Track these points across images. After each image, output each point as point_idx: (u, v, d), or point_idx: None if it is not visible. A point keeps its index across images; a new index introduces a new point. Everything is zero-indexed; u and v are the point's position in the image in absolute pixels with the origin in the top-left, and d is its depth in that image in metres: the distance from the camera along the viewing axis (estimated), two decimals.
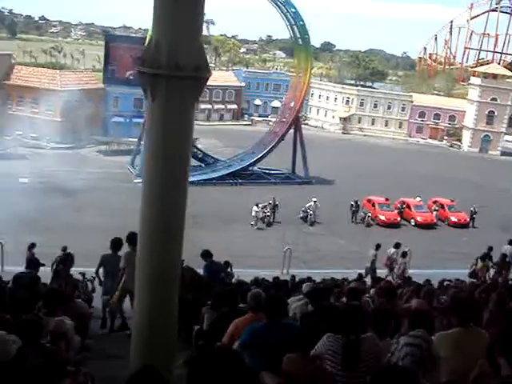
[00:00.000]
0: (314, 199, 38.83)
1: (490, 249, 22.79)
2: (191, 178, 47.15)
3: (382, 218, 40.16)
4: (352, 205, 39.71)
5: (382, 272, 23.80)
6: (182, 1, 4.77)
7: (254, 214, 36.92)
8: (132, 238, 10.33)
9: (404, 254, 23.19)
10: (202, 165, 52.15)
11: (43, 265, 16.26)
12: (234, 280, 14.72)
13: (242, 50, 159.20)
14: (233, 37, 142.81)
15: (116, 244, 11.67)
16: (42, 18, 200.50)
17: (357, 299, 7.81)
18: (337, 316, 5.19)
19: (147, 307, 5.42)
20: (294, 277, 17.74)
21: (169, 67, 4.74)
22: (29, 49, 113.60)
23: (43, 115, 60.70)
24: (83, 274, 14.86)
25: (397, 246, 24.21)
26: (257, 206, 37.08)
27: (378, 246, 24.26)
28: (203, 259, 12.99)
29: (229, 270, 16.69)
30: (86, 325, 8.65)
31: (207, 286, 10.69)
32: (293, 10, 50.61)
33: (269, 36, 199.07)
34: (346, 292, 8.77)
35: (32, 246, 18.39)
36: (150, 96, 4.92)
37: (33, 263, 16.49)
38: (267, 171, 52.55)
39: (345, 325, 4.94)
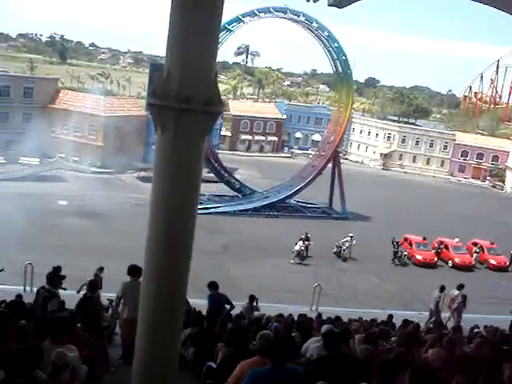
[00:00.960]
0: (351, 234, 38.34)
1: None
2: (227, 208, 47.48)
3: (419, 257, 39.34)
4: (394, 245, 38.73)
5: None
6: (196, 33, 4.70)
7: (297, 248, 36.33)
8: (132, 270, 10.36)
9: (464, 297, 22.49)
10: (239, 195, 52.18)
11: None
12: (256, 314, 14.38)
13: (286, 82, 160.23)
14: (278, 69, 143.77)
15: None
16: (92, 44, 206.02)
17: (373, 345, 7.50)
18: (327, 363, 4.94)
19: (150, 339, 5.28)
20: (320, 314, 17.31)
21: (178, 100, 4.66)
22: (77, 74, 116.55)
23: (85, 139, 61.91)
24: (110, 301, 14.79)
25: (460, 287, 23.47)
26: (302, 241, 36.59)
27: (442, 288, 23.11)
28: (208, 289, 12.87)
29: (254, 303, 16.38)
30: (98, 355, 8.52)
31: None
32: (336, 44, 50.80)
33: (313, 70, 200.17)
34: (363, 337, 8.45)
35: (101, 269, 17.92)
36: (159, 128, 4.84)
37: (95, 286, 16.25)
38: (304, 204, 52.25)
39: (331, 373, 4.71)
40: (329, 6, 6.88)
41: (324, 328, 8.36)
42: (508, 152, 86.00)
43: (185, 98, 4.66)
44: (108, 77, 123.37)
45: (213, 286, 12.91)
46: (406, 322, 14.42)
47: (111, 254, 28.95)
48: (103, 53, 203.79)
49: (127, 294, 10.48)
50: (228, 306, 13.11)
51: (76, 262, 27.76)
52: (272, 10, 49.11)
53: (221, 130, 79.10)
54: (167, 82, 4.74)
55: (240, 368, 5.94)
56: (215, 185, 52.78)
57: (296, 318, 15.29)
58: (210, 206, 47.78)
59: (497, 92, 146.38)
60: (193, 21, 4.70)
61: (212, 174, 52.14)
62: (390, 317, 18.11)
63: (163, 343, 5.22)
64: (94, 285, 12.02)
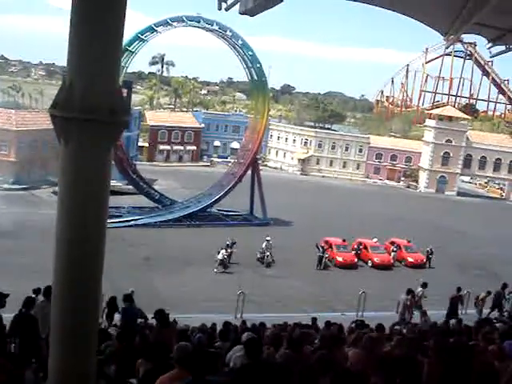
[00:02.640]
0: (268, 238, 38.58)
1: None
2: (147, 220, 46.78)
3: (340, 259, 40.07)
4: (318, 249, 38.90)
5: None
6: (97, 40, 4.53)
7: (220, 257, 36.03)
8: (47, 291, 9.91)
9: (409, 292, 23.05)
10: (159, 206, 51.54)
11: None
12: (181, 326, 14.14)
13: (203, 91, 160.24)
14: (194, 78, 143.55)
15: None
16: (2, 57, 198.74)
17: (297, 350, 7.51)
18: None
19: (63, 359, 5.04)
20: (244, 322, 17.29)
21: (82, 111, 4.47)
22: None
23: None
24: None
25: (424, 285, 24.05)
26: (225, 249, 36.31)
27: (409, 291, 23.31)
28: (123, 302, 12.50)
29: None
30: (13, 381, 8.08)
31: None
32: (250, 53, 51.18)
33: (230, 78, 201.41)
34: (285, 342, 8.45)
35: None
36: (63, 141, 4.64)
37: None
38: (225, 213, 52.24)
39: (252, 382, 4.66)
40: (240, 14, 6.86)
41: (244, 336, 8.31)
42: (420, 153, 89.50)
43: (87, 108, 4.47)
44: (19, 90, 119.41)
45: (127, 299, 12.47)
46: (328, 324, 14.57)
47: (26, 274, 27.85)
48: (14, 65, 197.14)
49: (39, 315, 10.05)
50: (141, 320, 12.78)
51: None
52: (185, 19, 48.92)
53: (138, 141, 78.09)
54: (69, 93, 4.54)
55: (159, 383, 5.79)
56: (134, 197, 51.99)
57: (220, 327, 15.17)
58: (130, 218, 46.95)
59: (407, 95, 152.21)
60: (93, 28, 4.53)
61: (131, 186, 51.32)
62: (314, 319, 18.29)
63: (78, 362, 4.98)
64: (30, 301, 11.13)
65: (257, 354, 6.17)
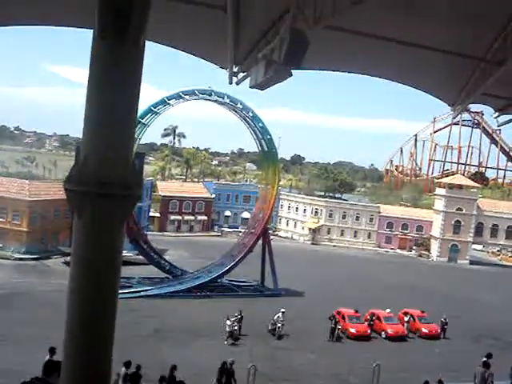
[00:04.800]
0: (282, 310, 38.01)
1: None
2: (158, 291, 46.43)
3: (352, 330, 39.27)
4: (331, 321, 38.10)
5: None
6: (112, 115, 4.65)
7: (228, 328, 35.50)
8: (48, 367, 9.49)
9: (485, 364, 21.51)
10: (170, 277, 51.20)
11: None
12: None
13: (214, 162, 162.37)
14: (205, 149, 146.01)
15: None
16: (17, 128, 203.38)
17: None
18: None
19: None
20: None
21: (95, 185, 4.55)
22: (1, 158, 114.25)
23: (9, 225, 59.89)
24: None
25: (488, 356, 22.45)
26: (228, 319, 35.85)
27: (485, 363, 21.63)
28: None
29: None
30: None
31: None
32: (260, 124, 52.06)
33: (240, 149, 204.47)
34: None
35: (174, 367, 19.86)
36: (76, 213, 4.70)
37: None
38: (236, 283, 51.74)
39: None
40: (250, 87, 7.03)
41: None
42: (431, 222, 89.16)
43: (101, 182, 4.56)
44: (33, 160, 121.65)
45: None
46: None
47: (37, 346, 27.51)
48: (29, 136, 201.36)
49: None
50: None
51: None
52: (197, 92, 50.08)
53: (149, 211, 78.46)
54: (83, 167, 4.65)
55: None
56: (145, 267, 51.79)
57: None
58: (140, 289, 46.59)
59: (416, 164, 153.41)
60: (109, 106, 4.66)
61: (141, 256, 51.18)
62: None
63: None
64: (51, 365, 10.50)
65: None
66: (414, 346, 38.79)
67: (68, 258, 55.45)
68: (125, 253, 45.66)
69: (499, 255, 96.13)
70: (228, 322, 35.56)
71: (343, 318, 40.14)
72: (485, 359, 21.86)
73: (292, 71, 6.01)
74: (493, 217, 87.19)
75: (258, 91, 7.23)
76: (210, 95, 50.33)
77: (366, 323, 40.72)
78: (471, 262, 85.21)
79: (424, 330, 41.07)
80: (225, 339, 35.01)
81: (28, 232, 59.65)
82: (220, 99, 50.40)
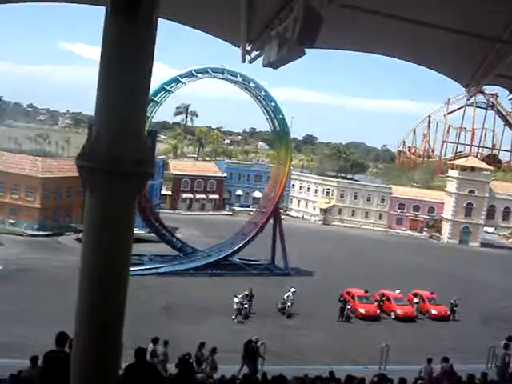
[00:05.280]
0: (293, 290, 38.23)
1: None
2: (169, 268, 46.78)
3: (362, 310, 39.47)
4: (340, 301, 38.49)
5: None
6: (125, 92, 4.66)
7: (235, 306, 35.91)
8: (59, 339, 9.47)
9: (506, 346, 21.91)
10: (181, 254, 51.57)
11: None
12: (199, 377, 13.99)
13: (226, 141, 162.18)
14: (217, 128, 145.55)
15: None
16: (31, 105, 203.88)
17: None
18: None
19: None
20: (265, 374, 16.98)
21: (108, 161, 4.57)
22: (14, 135, 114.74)
23: (22, 201, 60.45)
24: None
25: (509, 338, 22.87)
26: (236, 296, 36.24)
27: (506, 346, 22.06)
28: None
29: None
30: None
31: None
32: (273, 104, 51.91)
33: (252, 128, 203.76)
34: None
35: (202, 344, 21.08)
36: (88, 191, 4.73)
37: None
38: (246, 262, 52.02)
39: None
40: (263, 66, 7.00)
41: None
42: (443, 203, 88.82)
43: (114, 159, 4.57)
44: (46, 138, 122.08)
45: (138, 354, 11.00)
46: (349, 378, 14.27)
47: (48, 321, 27.88)
48: (42, 114, 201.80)
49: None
50: None
51: (10, 330, 26.79)
52: (210, 70, 49.92)
53: (161, 189, 78.76)
54: (96, 144, 4.66)
55: None
56: (156, 245, 52.12)
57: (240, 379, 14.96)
58: (152, 266, 47.01)
59: (429, 146, 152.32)
60: (121, 82, 4.67)
61: (153, 234, 51.50)
62: (331, 374, 17.75)
63: None
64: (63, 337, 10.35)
65: None
66: (422, 327, 38.95)
67: (80, 235, 55.92)
68: (137, 230, 45.91)
69: (510, 238, 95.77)
70: (236, 300, 35.94)
71: (353, 298, 40.34)
72: (506, 342, 22.03)
73: (305, 50, 5.97)
74: (505, 199, 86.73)
75: (271, 70, 7.20)
76: (223, 74, 50.17)
77: (376, 303, 40.91)
78: (482, 245, 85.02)
79: (433, 312, 41.17)
80: (233, 316, 35.46)
81: (41, 209, 60.18)
82: (233, 78, 50.25)
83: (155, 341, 20.30)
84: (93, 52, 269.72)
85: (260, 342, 23.78)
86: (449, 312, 41.18)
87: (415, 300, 41.81)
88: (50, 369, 9.46)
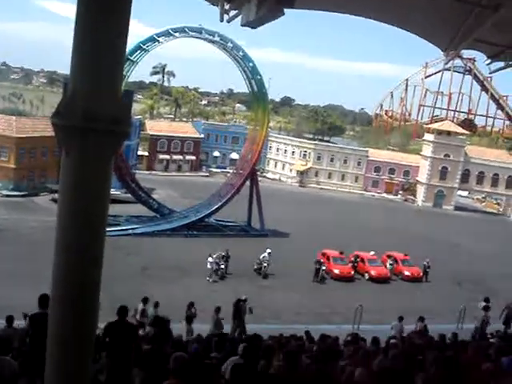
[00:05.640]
0: (268, 250, 38.58)
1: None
2: (145, 229, 46.72)
3: (336, 271, 40.05)
4: (316, 263, 38.96)
5: None
6: (101, 49, 4.57)
7: (209, 265, 36.32)
8: (43, 301, 9.55)
9: (486, 308, 23.06)
10: (157, 215, 51.53)
11: None
12: (176, 336, 14.09)
13: (203, 102, 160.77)
14: (194, 89, 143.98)
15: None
16: (4, 63, 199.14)
17: (292, 362, 7.50)
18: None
19: (58, 370, 5.04)
20: (241, 333, 17.26)
21: (84, 119, 4.49)
22: None
23: None
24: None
25: (486, 300, 24.14)
26: (210, 256, 36.55)
27: (486, 308, 23.51)
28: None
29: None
30: None
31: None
32: (251, 64, 51.41)
33: (230, 89, 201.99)
34: (282, 354, 8.44)
35: (191, 304, 21.89)
36: (64, 149, 4.67)
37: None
38: (223, 223, 52.21)
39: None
40: (242, 26, 6.92)
41: (240, 347, 8.30)
42: (418, 167, 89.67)
43: (90, 117, 4.50)
44: (20, 97, 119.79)
45: (120, 312, 11.16)
46: (323, 337, 14.55)
47: (21, 281, 27.86)
48: (15, 72, 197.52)
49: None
50: None
51: None
52: (187, 29, 49.11)
53: (138, 150, 78.17)
54: (71, 101, 4.58)
55: None
56: (133, 205, 51.97)
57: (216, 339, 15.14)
58: (128, 227, 46.94)
59: (406, 110, 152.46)
60: (97, 38, 4.58)
61: (129, 195, 51.31)
62: (307, 333, 18.13)
63: (74, 367, 4.99)
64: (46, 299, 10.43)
65: (253, 362, 6.16)
66: (396, 288, 39.69)
67: (56, 196, 55.54)
68: (113, 191, 45.79)
69: (484, 202, 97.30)
70: (210, 260, 36.23)
71: (328, 259, 40.85)
72: (485, 304, 22.87)
73: (284, 10, 5.91)
74: (480, 164, 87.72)
75: (249, 30, 7.12)
76: (201, 33, 49.42)
77: (350, 265, 41.51)
78: (456, 208, 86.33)
79: (406, 273, 41.93)
80: (207, 277, 35.81)
81: (15, 169, 59.40)
82: (210, 37, 49.55)
83: (145, 300, 20.45)
84: (68, 10, 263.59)
85: (246, 301, 24.16)
86: (421, 273, 41.98)
87: (389, 261, 42.48)
88: (35, 329, 9.61)
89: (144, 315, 20.17)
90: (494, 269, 44.78)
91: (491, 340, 16.11)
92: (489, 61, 9.84)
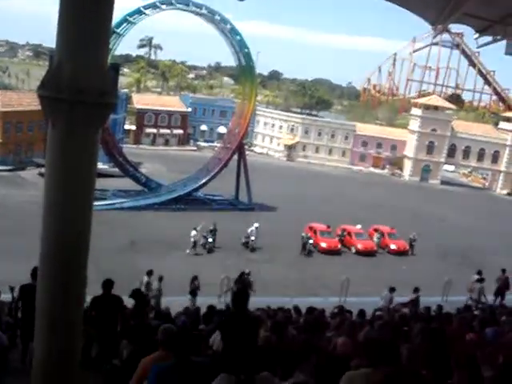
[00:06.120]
0: (256, 224, 38.71)
1: None
2: (133, 203, 46.66)
3: (323, 245, 40.31)
4: (303, 236, 39.28)
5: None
6: (86, 21, 4.54)
7: (192, 239, 36.33)
8: (34, 273, 9.64)
9: (480, 280, 23.64)
10: (145, 189, 51.43)
11: None
12: (164, 309, 14.24)
13: (191, 75, 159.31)
14: (181, 62, 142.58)
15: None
16: None
17: (279, 333, 7.61)
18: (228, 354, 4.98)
19: (47, 344, 5.09)
20: (228, 306, 17.38)
21: (70, 92, 4.49)
22: None
23: None
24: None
25: (479, 273, 24.54)
26: (195, 229, 36.58)
27: (481, 280, 24.01)
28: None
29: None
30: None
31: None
32: (238, 37, 50.95)
33: (217, 63, 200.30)
34: (269, 325, 8.56)
35: (195, 277, 22.71)
36: (51, 122, 4.66)
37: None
38: (210, 197, 52.25)
39: (234, 363, 4.74)
40: None
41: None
42: (405, 141, 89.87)
43: (76, 89, 4.49)
44: (5, 70, 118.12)
45: (105, 285, 10.55)
46: (310, 310, 14.70)
47: (15, 258, 27.80)
48: (0, 45, 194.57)
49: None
50: None
51: None
52: (174, 2, 48.47)
53: (124, 124, 77.66)
54: (57, 73, 4.56)
55: (143, 364, 5.84)
56: (120, 179, 51.79)
57: (204, 311, 15.28)
58: (115, 201, 46.85)
59: (394, 84, 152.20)
60: (83, 10, 4.54)
61: (117, 169, 51.10)
62: (296, 307, 18.23)
63: (62, 343, 5.04)
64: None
65: (243, 305, 6.15)
66: (382, 261, 40.05)
67: (43, 170, 55.13)
68: (100, 165, 45.56)
69: (470, 177, 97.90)
70: (193, 233, 36.26)
71: (315, 232, 41.08)
72: (478, 277, 23.39)
73: None
74: (466, 139, 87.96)
75: (237, 2, 7.04)
76: (188, 5, 48.84)
77: (337, 238, 41.79)
78: (442, 183, 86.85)
79: (393, 247, 42.31)
80: (188, 250, 35.95)
81: (1, 143, 58.85)
82: (197, 10, 49.00)
83: (149, 273, 20.53)
84: None
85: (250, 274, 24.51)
86: (408, 247, 42.38)
87: (376, 235, 42.80)
88: (25, 299, 9.77)
89: (148, 289, 20.32)
90: (480, 243, 45.28)
91: (475, 312, 16.36)
92: (477, 35, 9.85)
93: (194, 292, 18.15)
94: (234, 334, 4.99)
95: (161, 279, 21.38)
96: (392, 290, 22.53)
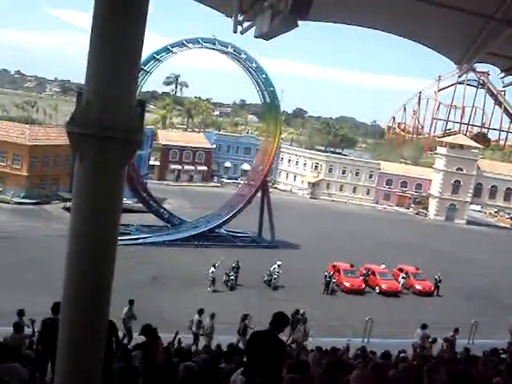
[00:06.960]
0: (279, 262, 38.51)
1: None
2: (156, 239, 46.78)
3: (347, 284, 39.88)
4: (326, 275, 38.93)
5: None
6: (116, 60, 4.63)
7: (210, 275, 36.08)
8: (56, 307, 9.66)
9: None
10: (168, 225, 51.63)
11: None
12: (185, 346, 14.12)
13: (216, 112, 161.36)
14: (207, 99, 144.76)
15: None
16: (18, 72, 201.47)
17: (301, 372, 7.48)
18: None
19: (68, 373, 5.07)
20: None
21: (98, 128, 4.56)
22: (1, 102, 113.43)
23: (9, 169, 59.99)
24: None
25: None
26: (214, 266, 36.37)
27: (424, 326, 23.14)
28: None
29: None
30: None
31: None
32: (264, 76, 51.56)
33: (242, 100, 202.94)
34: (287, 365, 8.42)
35: (245, 316, 22.15)
36: (78, 157, 4.72)
37: None
38: (233, 234, 52.21)
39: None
40: (255, 37, 6.93)
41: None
42: (430, 180, 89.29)
43: (104, 126, 4.56)
44: (34, 105, 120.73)
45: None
46: (333, 350, 14.49)
47: (38, 290, 27.95)
48: (29, 81, 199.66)
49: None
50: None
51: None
52: (201, 40, 49.41)
53: (149, 160, 78.47)
54: (86, 110, 4.64)
55: None
56: (144, 215, 52.10)
57: (225, 349, 15.12)
58: (139, 236, 47.06)
59: (419, 123, 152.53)
60: (112, 48, 4.64)
61: (141, 204, 51.46)
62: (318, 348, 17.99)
63: (83, 378, 5.01)
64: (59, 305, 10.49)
65: (279, 327, 6.08)
66: (406, 302, 39.42)
67: (67, 204, 55.89)
68: (124, 200, 45.88)
69: (496, 216, 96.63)
70: (212, 269, 36.05)
71: (338, 271, 40.68)
72: None
73: (298, 22, 5.92)
74: (492, 178, 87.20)
75: (260, 40, 7.12)
76: (214, 44, 49.69)
77: (361, 278, 41.31)
78: (468, 222, 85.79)
79: (418, 287, 41.68)
80: (209, 286, 35.77)
81: (28, 176, 59.81)
82: (224, 48, 49.82)
83: (200, 312, 20.58)
84: (84, 19, 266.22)
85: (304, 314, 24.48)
86: (433, 288, 41.71)
87: (401, 275, 42.23)
88: (47, 334, 9.74)
89: (199, 326, 20.33)
90: (505, 283, 44.43)
91: (502, 356, 15.95)
92: (502, 74, 9.81)
93: (244, 331, 18.04)
94: (261, 348, 4.98)
95: (213, 317, 21.41)
96: (424, 326, 22.21)
